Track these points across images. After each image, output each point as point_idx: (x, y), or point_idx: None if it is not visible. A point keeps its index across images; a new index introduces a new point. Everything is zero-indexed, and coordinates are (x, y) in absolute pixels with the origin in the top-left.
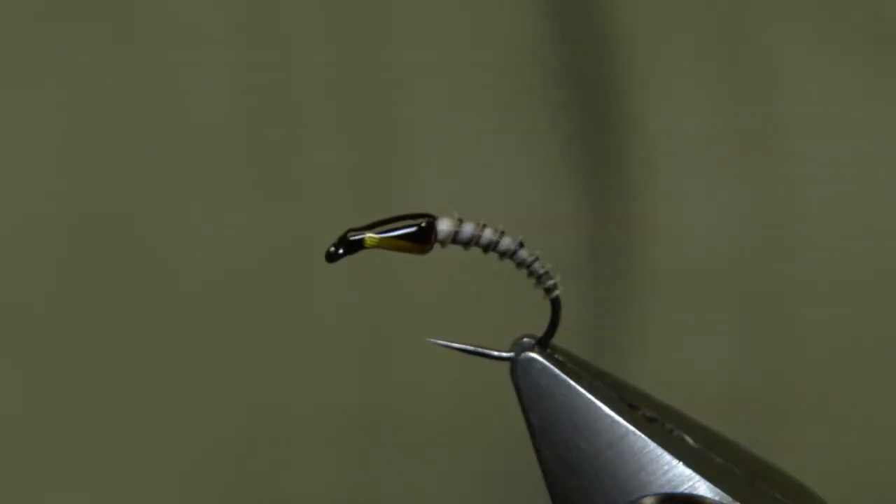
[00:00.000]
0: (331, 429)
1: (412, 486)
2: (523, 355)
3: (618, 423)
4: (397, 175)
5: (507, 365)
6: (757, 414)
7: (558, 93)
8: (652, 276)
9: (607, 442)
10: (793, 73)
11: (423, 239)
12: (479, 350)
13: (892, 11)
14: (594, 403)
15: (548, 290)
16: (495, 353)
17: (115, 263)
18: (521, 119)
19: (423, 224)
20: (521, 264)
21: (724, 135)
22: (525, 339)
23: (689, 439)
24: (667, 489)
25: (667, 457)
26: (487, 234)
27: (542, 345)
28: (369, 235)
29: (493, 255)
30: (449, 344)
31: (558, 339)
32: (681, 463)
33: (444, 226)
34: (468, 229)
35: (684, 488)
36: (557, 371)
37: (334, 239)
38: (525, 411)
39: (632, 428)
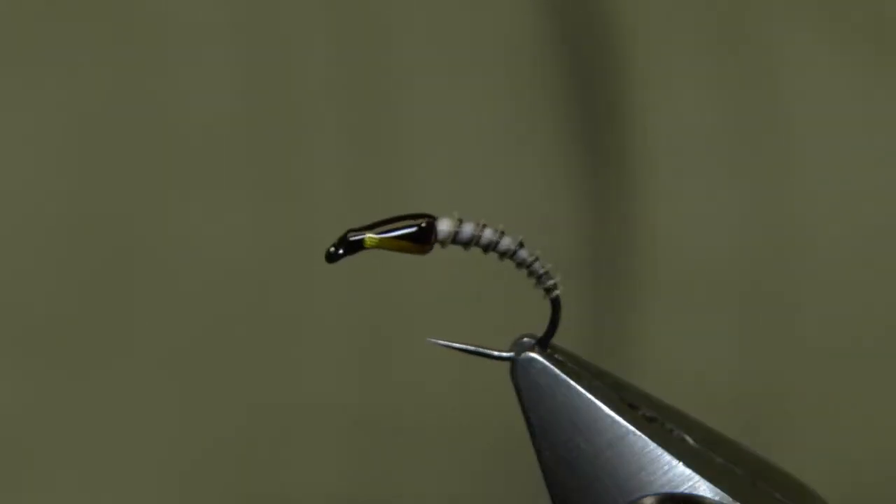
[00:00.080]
0: (331, 429)
1: (412, 487)
2: (523, 355)
3: (618, 423)
4: (397, 175)
5: (507, 365)
6: (757, 413)
7: (558, 93)
8: (652, 276)
9: (607, 442)
10: (793, 73)
11: (423, 239)
12: (479, 350)
13: (893, 10)
14: (594, 403)
15: (548, 290)
16: (495, 353)
17: (114, 263)
18: (522, 119)
19: (423, 224)
20: (521, 264)
21: (724, 134)
22: (525, 339)
23: (689, 439)
24: (667, 489)
25: (667, 457)
26: (487, 234)
27: (542, 345)
28: (369, 236)
29: (493, 255)
30: (449, 344)
31: (558, 339)
32: (681, 463)
33: (444, 226)
34: (468, 229)
35: (684, 488)
36: (557, 371)
37: (334, 239)
38: (525, 411)
39: (632, 428)
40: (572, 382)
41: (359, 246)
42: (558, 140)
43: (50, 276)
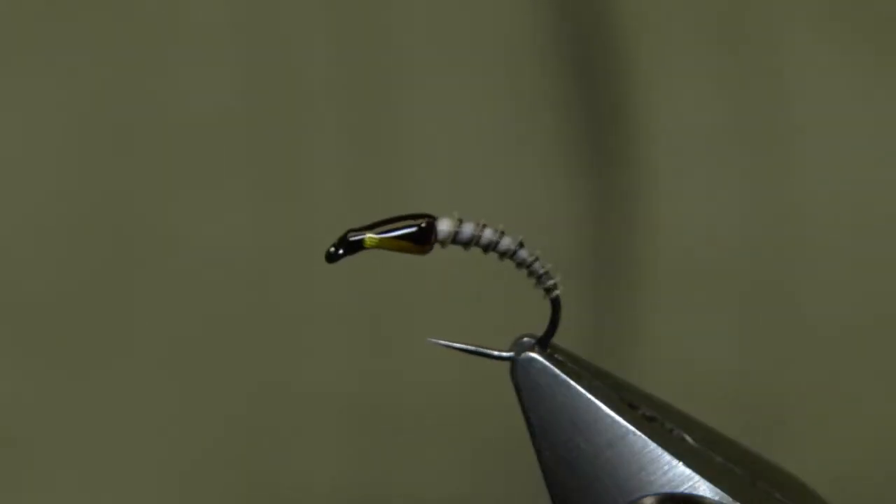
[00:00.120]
0: (331, 429)
1: (412, 487)
2: (523, 355)
3: (618, 422)
4: (397, 175)
5: (507, 365)
6: (757, 413)
7: (559, 92)
8: (652, 276)
9: (607, 442)
10: (794, 73)
11: (423, 239)
12: (480, 350)
13: (893, 10)
14: (594, 403)
15: (548, 290)
16: (495, 353)
17: (114, 263)
18: (522, 119)
19: (423, 224)
20: (521, 264)
21: (724, 133)
22: (525, 339)
23: (689, 438)
24: (667, 489)
25: (667, 457)
26: (487, 234)
27: (542, 344)
28: (369, 236)
29: (493, 255)
30: (449, 344)
31: (558, 339)
32: (681, 463)
33: (444, 226)
34: (468, 229)
35: (684, 488)
36: (557, 371)
37: (334, 239)
38: (525, 411)
39: (632, 428)
40: (572, 382)
41: (359, 246)
42: (558, 140)
43: (50, 276)
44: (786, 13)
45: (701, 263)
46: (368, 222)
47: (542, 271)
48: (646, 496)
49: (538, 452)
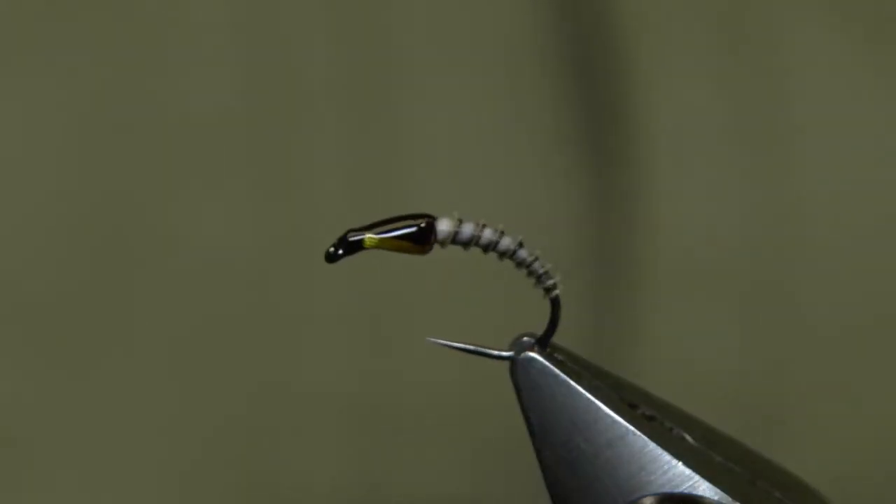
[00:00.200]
0: (332, 428)
1: (412, 487)
2: (523, 355)
3: (617, 422)
4: (397, 175)
5: (507, 364)
6: (758, 413)
7: (559, 92)
8: (652, 276)
9: (607, 442)
10: (795, 72)
11: (423, 239)
12: (479, 350)
13: (894, 10)
14: (594, 403)
15: (547, 290)
16: (495, 353)
17: (114, 263)
18: (522, 119)
19: (423, 224)
20: (520, 264)
21: (724, 133)
22: (525, 339)
23: (688, 438)
24: (667, 489)
25: (666, 456)
26: (487, 234)
27: (542, 344)
28: (369, 236)
29: (493, 255)
30: (449, 343)
31: (558, 339)
32: (680, 462)
33: (443, 226)
34: (468, 229)
35: (684, 488)
36: (557, 371)
37: (334, 239)
38: (525, 411)
39: (631, 428)
40: (572, 382)
41: (358, 246)
42: (558, 140)
43: (50, 276)
44: (786, 13)
45: (701, 263)
46: (368, 222)
47: (541, 271)
48: (645, 496)
49: (538, 452)
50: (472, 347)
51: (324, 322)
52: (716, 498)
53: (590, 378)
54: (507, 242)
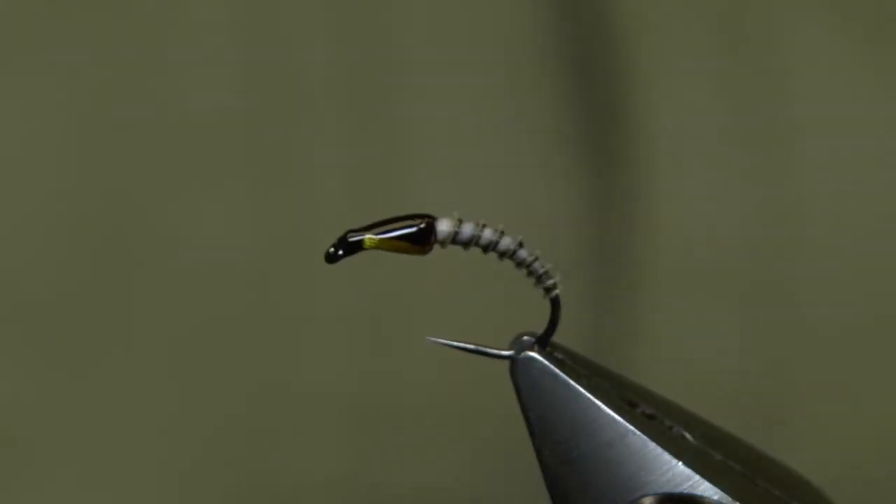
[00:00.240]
0: (332, 428)
1: (412, 487)
2: (523, 354)
3: (617, 422)
4: (397, 175)
5: (507, 363)
6: (758, 413)
7: (559, 92)
8: (652, 275)
9: (607, 441)
10: (795, 72)
11: (423, 240)
12: (479, 349)
13: (895, 10)
14: (594, 403)
15: (547, 290)
16: (495, 352)
17: (114, 263)
18: (522, 119)
19: (423, 225)
20: (520, 264)
21: (725, 133)
22: (525, 338)
23: (688, 436)
24: (667, 489)
25: (666, 456)
26: (487, 234)
27: (542, 343)
28: (369, 236)
29: (493, 255)
30: (449, 343)
31: (558, 338)
32: (680, 462)
33: (443, 226)
34: (468, 229)
35: (684, 487)
36: (557, 370)
37: (334, 239)
38: (525, 410)
39: (631, 427)
40: (572, 382)
41: (358, 247)
42: (558, 140)
43: (50, 276)
44: (786, 13)
45: (701, 263)
46: (368, 222)
47: (541, 271)
48: (645, 496)
49: (538, 452)
50: (472, 347)
51: (324, 322)
52: (716, 497)
53: (589, 377)
54: (507, 242)
